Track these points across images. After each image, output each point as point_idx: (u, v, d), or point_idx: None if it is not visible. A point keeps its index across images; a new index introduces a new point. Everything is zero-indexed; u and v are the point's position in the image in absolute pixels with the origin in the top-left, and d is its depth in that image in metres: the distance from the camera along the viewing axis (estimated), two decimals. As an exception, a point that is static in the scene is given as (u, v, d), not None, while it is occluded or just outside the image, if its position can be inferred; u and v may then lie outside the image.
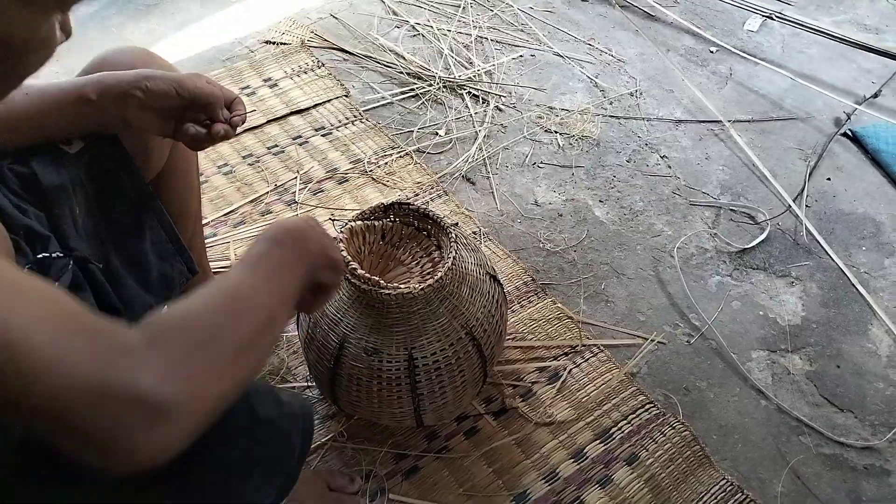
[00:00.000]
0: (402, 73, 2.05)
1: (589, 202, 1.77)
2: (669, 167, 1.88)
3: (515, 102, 2.02)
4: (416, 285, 1.08)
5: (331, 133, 1.86)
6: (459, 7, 2.31)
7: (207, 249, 1.43)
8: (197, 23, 2.18)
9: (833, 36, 2.21)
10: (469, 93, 2.02)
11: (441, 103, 1.98)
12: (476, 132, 1.91)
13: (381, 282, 1.07)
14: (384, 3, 2.30)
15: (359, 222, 1.17)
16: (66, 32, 0.67)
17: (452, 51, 2.14)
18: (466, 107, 1.98)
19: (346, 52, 2.11)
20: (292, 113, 1.90)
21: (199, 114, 0.96)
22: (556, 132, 1.94)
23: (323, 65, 2.05)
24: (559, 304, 1.54)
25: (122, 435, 0.53)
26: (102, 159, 0.96)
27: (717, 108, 2.01)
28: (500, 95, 2.02)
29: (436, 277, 1.08)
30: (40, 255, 0.84)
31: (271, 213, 1.66)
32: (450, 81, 2.03)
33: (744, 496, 1.27)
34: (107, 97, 0.89)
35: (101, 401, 0.53)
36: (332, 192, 1.72)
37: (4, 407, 0.53)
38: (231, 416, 0.73)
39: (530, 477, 1.28)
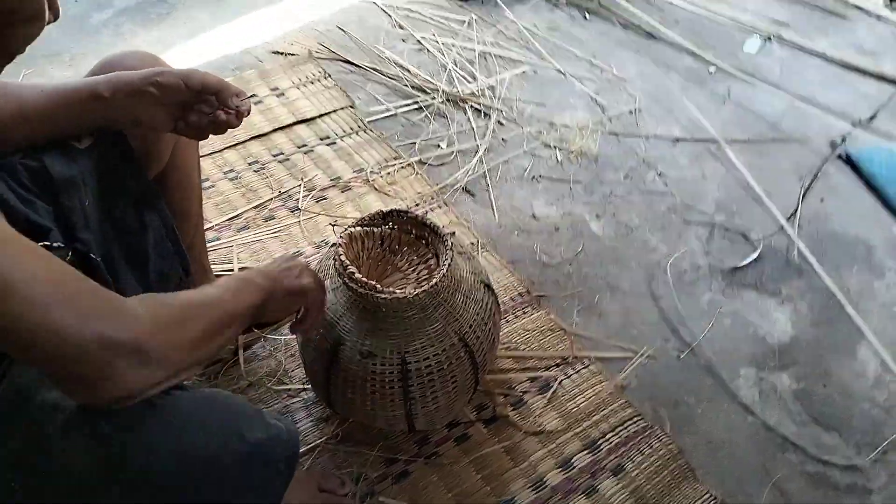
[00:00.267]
0: (406, 85, 2.10)
1: (586, 217, 1.81)
2: (666, 184, 1.91)
3: (516, 117, 2.06)
4: (412, 290, 1.11)
5: (335, 142, 1.90)
6: (464, 23, 2.36)
7: (211, 252, 1.47)
8: (207, 32, 2.23)
9: (831, 59, 2.25)
10: (471, 107, 2.06)
11: (444, 116, 2.02)
12: (477, 145, 1.95)
13: (378, 286, 1.11)
14: (391, 17, 2.35)
15: (358, 228, 1.21)
16: (54, 11, 0.73)
17: (456, 65, 2.18)
18: (468, 120, 2.02)
19: (353, 63, 2.16)
20: (298, 122, 1.94)
21: (202, 106, 0.99)
22: (555, 147, 1.97)
23: (329, 76, 2.09)
24: (553, 316, 1.57)
25: (113, 372, 0.70)
26: (110, 156, 1.00)
27: (714, 128, 2.05)
28: (502, 110, 2.06)
29: (430, 283, 1.12)
30: (42, 244, 0.88)
31: (274, 218, 1.70)
32: (453, 95, 2.07)
33: (727, 510, 1.30)
34: (120, 94, 0.93)
35: (99, 342, 0.68)
36: (335, 200, 1.76)
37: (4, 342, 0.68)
38: (222, 442, 0.80)
39: (518, 484, 1.30)
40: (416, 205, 1.76)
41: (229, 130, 1.02)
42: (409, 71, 2.14)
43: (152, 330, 0.73)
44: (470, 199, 1.82)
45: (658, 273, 1.69)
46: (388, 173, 1.83)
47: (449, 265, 1.15)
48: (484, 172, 1.88)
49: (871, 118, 2.15)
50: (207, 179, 1.73)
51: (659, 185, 1.91)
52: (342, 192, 1.78)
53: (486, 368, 1.29)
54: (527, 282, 1.63)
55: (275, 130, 1.90)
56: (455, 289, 1.20)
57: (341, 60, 2.16)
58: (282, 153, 1.85)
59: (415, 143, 1.93)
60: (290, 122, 1.93)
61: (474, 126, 2.00)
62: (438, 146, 1.93)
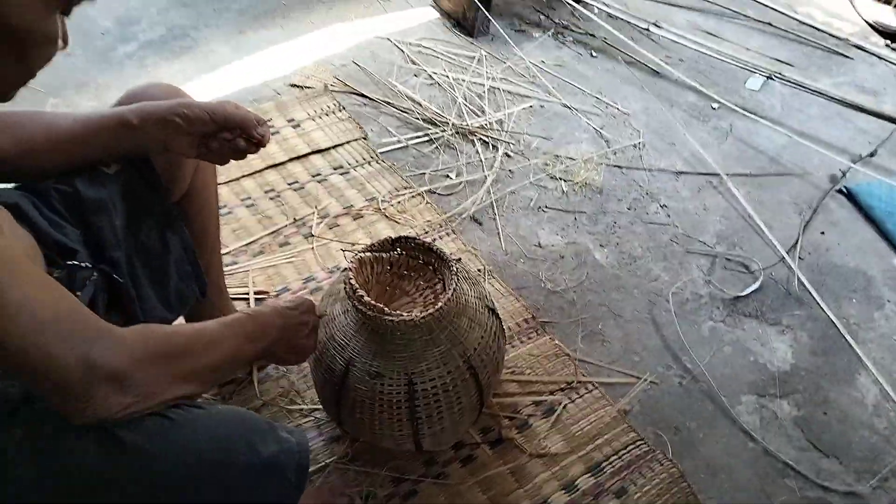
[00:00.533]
0: (417, 118, 2.17)
1: (590, 246, 1.86)
2: (668, 216, 1.96)
3: (523, 150, 2.12)
4: (418, 313, 1.16)
5: (348, 172, 1.97)
6: (474, 59, 2.45)
7: (228, 276, 1.53)
8: (227, 65, 2.32)
9: (832, 97, 2.31)
10: (480, 139, 2.13)
11: (453, 148, 2.09)
12: (485, 176, 2.01)
13: (386, 309, 1.15)
14: (404, 52, 2.44)
15: (368, 253, 1.26)
16: (65, 40, 0.78)
17: (466, 99, 2.26)
18: (477, 152, 2.09)
19: (366, 97, 2.24)
20: (313, 152, 2.01)
21: (225, 134, 1.05)
22: (561, 179, 2.04)
23: (344, 108, 2.17)
24: (557, 342, 1.62)
25: (93, 396, 0.74)
26: (136, 181, 1.06)
27: (716, 162, 2.11)
28: (510, 143, 2.13)
29: (436, 307, 1.17)
30: (70, 263, 0.94)
31: (289, 244, 1.76)
32: (462, 128, 2.14)
33: (727, 533, 1.32)
34: (148, 123, 1.00)
35: (83, 367, 0.72)
36: (347, 227, 1.82)
37: None
38: (235, 455, 0.84)
39: (522, 505, 1.33)
40: (426, 232, 1.82)
41: (248, 157, 1.08)
42: (420, 104, 2.22)
43: (138, 361, 0.77)
44: (477, 227, 1.87)
45: (660, 301, 1.74)
46: (399, 202, 1.89)
47: (454, 290, 1.20)
48: (491, 202, 1.94)
49: (872, 154, 2.20)
50: (225, 206, 1.80)
51: (661, 217, 1.96)
52: (354, 219, 1.84)
53: (490, 390, 1.33)
54: (532, 308, 1.68)
55: (290, 160, 1.98)
56: (460, 312, 1.25)
57: (355, 94, 2.25)
58: (297, 182, 1.92)
59: (425, 173, 2.00)
60: (305, 152, 2.00)
61: (482, 158, 2.07)
62: (447, 176, 2.00)
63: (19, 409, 0.80)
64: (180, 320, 1.28)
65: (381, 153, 2.04)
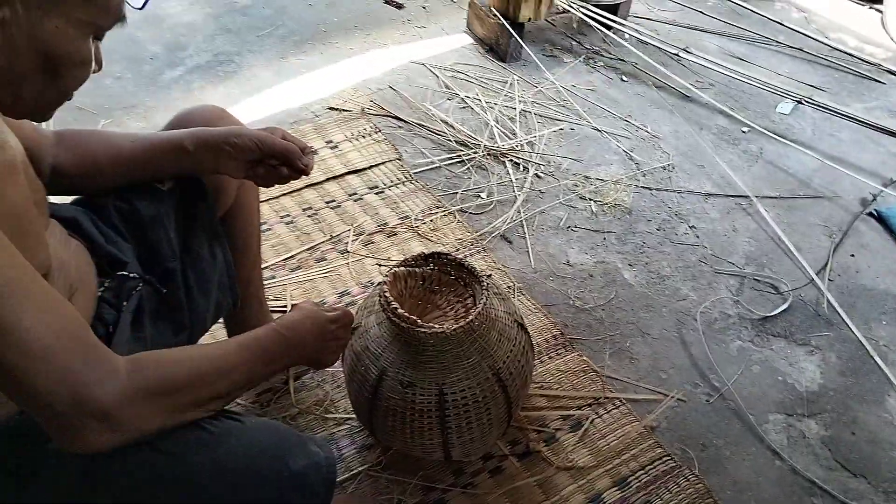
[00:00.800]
0: (450, 140, 2.24)
1: (619, 265, 1.89)
2: (697, 237, 1.99)
3: (554, 171, 2.17)
4: (449, 326, 1.20)
5: (383, 192, 2.04)
6: (507, 83, 2.51)
7: (267, 289, 1.59)
8: (269, 89, 2.42)
9: (863, 122, 2.32)
10: (511, 160, 2.18)
11: (485, 169, 2.15)
12: (515, 196, 2.06)
13: (418, 321, 1.20)
14: (438, 77, 2.51)
15: (402, 268, 1.31)
16: (98, 63, 0.84)
17: (498, 122, 2.32)
18: (508, 173, 2.14)
19: (402, 119, 2.31)
20: (349, 172, 2.09)
21: (271, 162, 1.13)
22: (590, 199, 2.08)
23: (379, 130, 2.25)
24: (585, 358, 1.65)
25: (81, 430, 0.73)
26: (188, 196, 1.14)
27: (745, 185, 2.13)
28: (540, 164, 2.18)
29: (467, 320, 1.21)
30: (119, 273, 1.01)
31: (325, 260, 1.83)
32: (494, 150, 2.20)
33: (753, 549, 1.33)
34: (201, 149, 1.08)
35: (73, 403, 0.72)
36: (382, 245, 1.88)
37: None
38: (265, 467, 0.87)
39: (549, 516, 1.36)
40: (457, 250, 1.87)
41: None
42: (453, 127, 2.28)
43: (129, 398, 0.75)
44: (507, 245, 1.92)
45: (688, 321, 1.76)
46: (431, 220, 1.95)
47: (484, 304, 1.24)
48: (521, 221, 1.98)
49: (903, 177, 2.20)
50: (266, 223, 1.87)
51: (690, 238, 1.99)
52: (388, 237, 1.90)
53: (519, 403, 1.36)
54: (560, 325, 1.72)
55: (328, 179, 2.05)
56: (490, 326, 1.29)
57: (391, 116, 2.32)
58: (334, 200, 2.00)
59: (457, 193, 2.06)
60: (342, 172, 2.08)
61: (513, 178, 2.12)
62: (479, 196, 2.05)
63: None
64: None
65: (414, 173, 2.10)
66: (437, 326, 1.20)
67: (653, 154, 2.27)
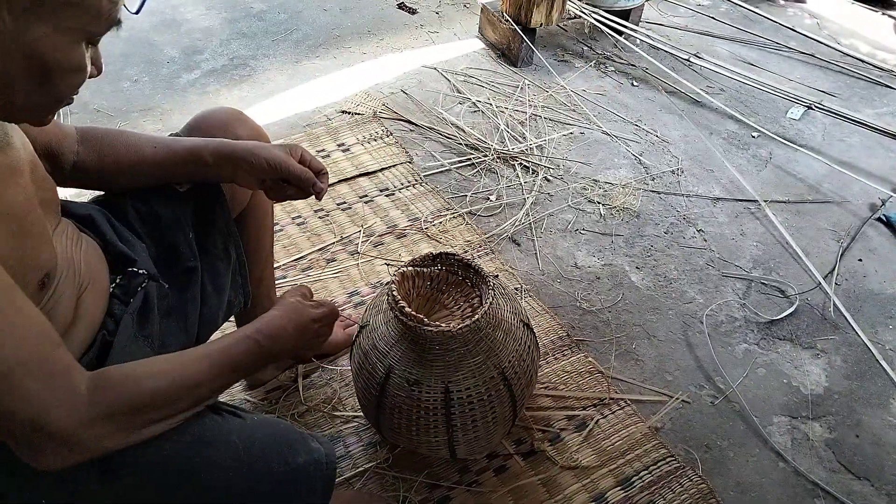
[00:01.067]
0: (461, 144, 2.26)
1: (626, 268, 1.91)
2: (705, 240, 2.00)
3: (563, 174, 2.19)
4: (456, 325, 1.23)
5: (394, 194, 2.07)
6: (517, 87, 2.53)
7: (278, 289, 1.62)
8: (283, 92, 2.46)
9: (873, 127, 2.32)
10: (520, 164, 2.20)
11: (494, 172, 2.18)
12: (524, 199, 2.08)
13: (425, 320, 1.23)
14: (450, 81, 2.54)
15: (410, 268, 1.34)
16: (97, 67, 0.83)
17: (508, 126, 2.35)
18: (517, 176, 2.16)
19: (413, 123, 2.34)
20: (361, 175, 2.12)
21: (284, 183, 1.15)
22: (598, 203, 2.09)
23: (391, 134, 2.28)
24: (591, 359, 1.66)
25: (42, 451, 0.75)
26: (204, 198, 1.18)
27: (754, 189, 2.14)
28: (549, 167, 2.20)
29: (473, 319, 1.24)
30: (130, 269, 1.04)
31: (335, 260, 1.86)
32: (504, 153, 2.22)
33: (754, 549, 1.34)
34: (220, 161, 1.11)
35: (32, 427, 0.73)
36: (391, 246, 1.91)
37: None
38: (266, 464, 0.89)
39: (552, 514, 1.38)
40: (465, 251, 1.90)
41: None
42: (463, 131, 2.31)
43: (89, 421, 0.76)
44: (515, 247, 1.94)
45: (694, 323, 1.77)
46: (441, 222, 1.98)
47: (490, 304, 1.26)
48: (530, 224, 2.01)
49: (913, 183, 2.20)
50: (278, 224, 1.91)
51: (698, 241, 2.00)
52: (398, 238, 1.93)
53: (523, 402, 1.38)
54: (567, 326, 1.74)
55: (339, 182, 2.09)
56: (496, 326, 1.31)
57: (403, 120, 2.35)
58: (345, 202, 2.03)
59: (466, 195, 2.08)
60: (353, 174, 2.11)
61: (522, 182, 2.14)
62: (488, 199, 2.08)
63: None
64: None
65: (425, 176, 2.13)
66: (443, 325, 1.23)
67: (662, 158, 2.28)
